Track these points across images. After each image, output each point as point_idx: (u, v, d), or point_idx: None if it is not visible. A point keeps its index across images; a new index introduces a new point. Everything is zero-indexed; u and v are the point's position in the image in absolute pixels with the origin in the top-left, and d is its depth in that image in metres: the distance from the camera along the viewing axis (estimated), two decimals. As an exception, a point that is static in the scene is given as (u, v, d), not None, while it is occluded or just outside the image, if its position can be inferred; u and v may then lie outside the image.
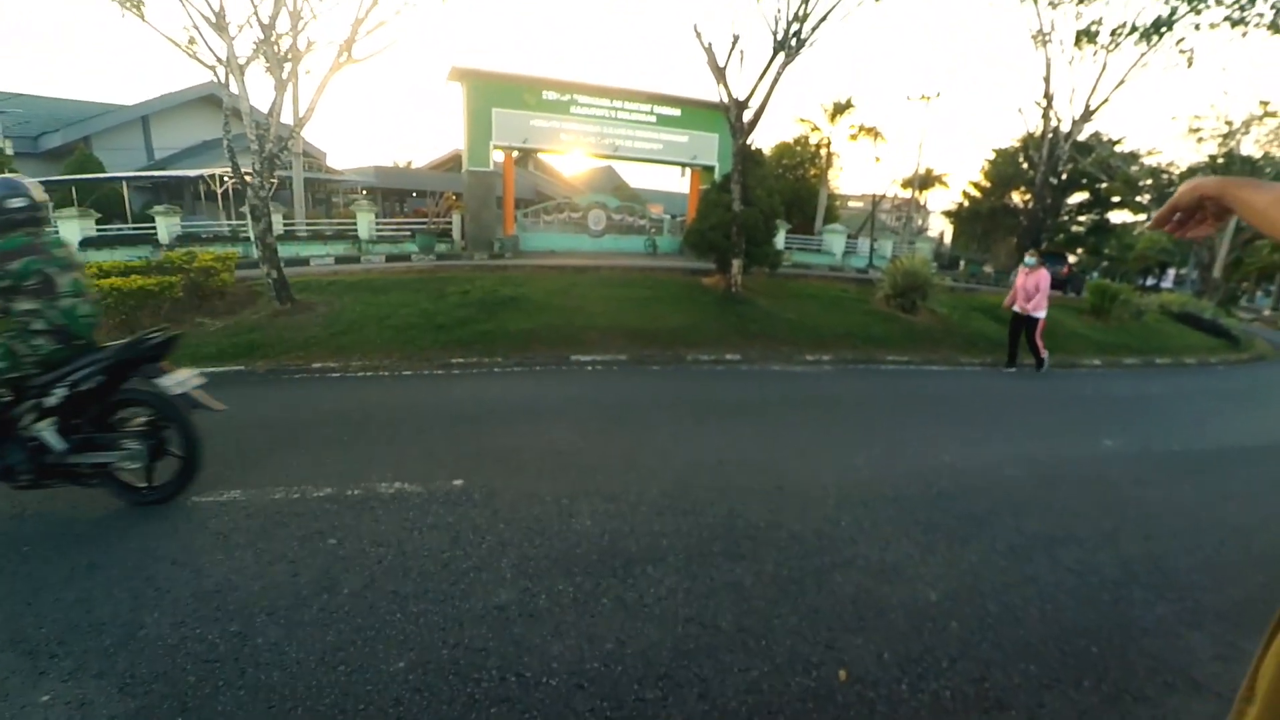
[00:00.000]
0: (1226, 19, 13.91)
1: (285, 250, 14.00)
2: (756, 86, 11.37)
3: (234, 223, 19.16)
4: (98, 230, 16.51)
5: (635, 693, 2.25)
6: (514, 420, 5.60)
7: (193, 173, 21.07)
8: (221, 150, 11.30)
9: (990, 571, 3.24)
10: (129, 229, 17.60)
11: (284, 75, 9.80)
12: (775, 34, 11.07)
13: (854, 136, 29.86)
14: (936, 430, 5.95)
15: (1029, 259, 9.68)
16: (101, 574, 2.90)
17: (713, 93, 11.70)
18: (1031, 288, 9.33)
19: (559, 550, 3.20)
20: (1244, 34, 13.95)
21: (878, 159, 32.18)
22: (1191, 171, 22.27)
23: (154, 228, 17.02)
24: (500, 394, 6.67)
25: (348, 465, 4.28)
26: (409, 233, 20.25)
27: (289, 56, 9.84)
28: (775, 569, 3.13)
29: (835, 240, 24.08)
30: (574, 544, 3.27)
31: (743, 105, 11.44)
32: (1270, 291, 41.59)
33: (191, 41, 9.49)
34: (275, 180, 10.38)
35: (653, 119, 20.23)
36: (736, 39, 11.16)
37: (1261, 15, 13.68)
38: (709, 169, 20.76)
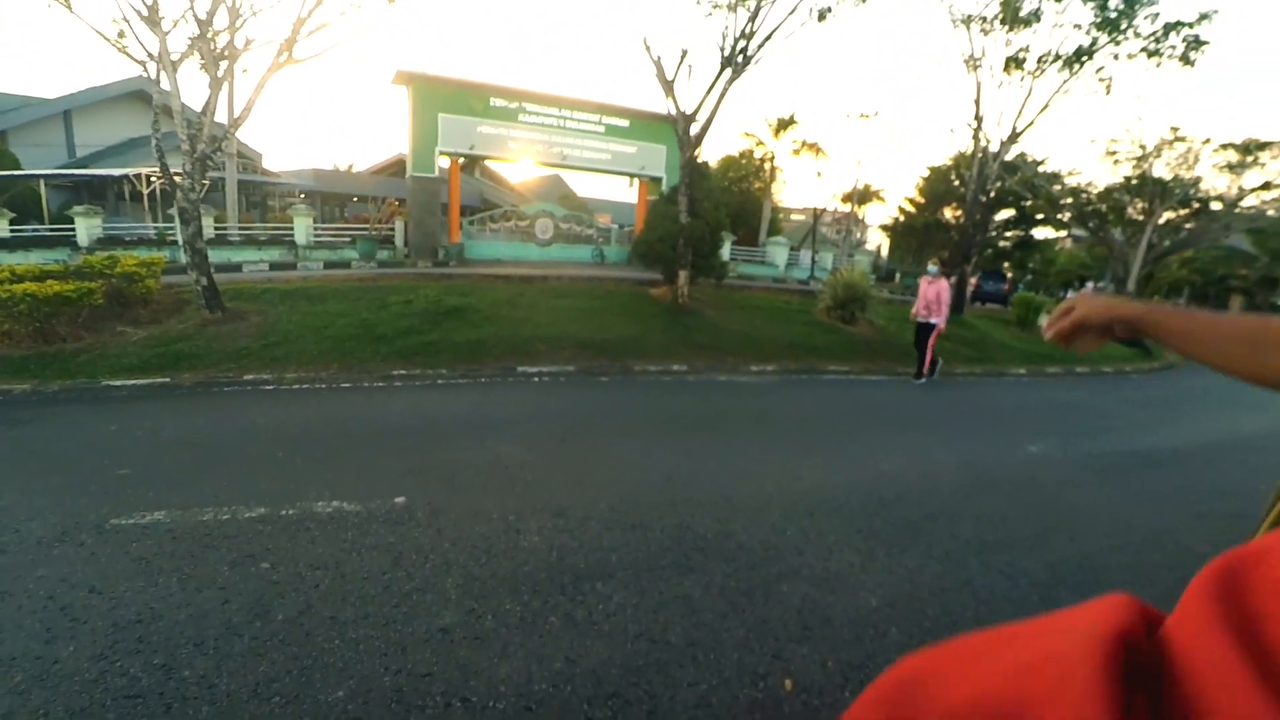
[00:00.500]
0: (1143, 50, 15.00)
1: (216, 255, 13.42)
2: (704, 100, 11.60)
3: (161, 225, 18.18)
4: (11, 231, 15.47)
5: (585, 712, 2.23)
6: (458, 434, 5.51)
7: (117, 171, 19.89)
8: (149, 149, 10.75)
9: (927, 577, 3.35)
10: (46, 230, 16.52)
11: (220, 73, 9.43)
12: (723, 50, 11.32)
13: (797, 151, 30.67)
14: (876, 439, 6.14)
15: (931, 268, 9.71)
16: (11, 603, 2.71)
17: (661, 105, 11.87)
18: (933, 297, 9.30)
19: (506, 569, 3.15)
20: (1158, 65, 15.07)
21: (819, 174, 33.04)
22: (1108, 191, 23.64)
23: (73, 229, 16.02)
24: (444, 407, 6.54)
25: (282, 483, 4.12)
26: (349, 239, 19.60)
27: (226, 54, 9.47)
28: (724, 581, 3.16)
29: (778, 252, 24.58)
30: (521, 562, 3.23)
31: (690, 118, 11.62)
32: (1179, 304, 44.70)
33: (121, 35, 9.04)
34: (207, 182, 9.94)
35: (601, 129, 20.29)
36: (685, 53, 11.37)
37: (1174, 48, 14.83)
38: (656, 180, 20.94)
